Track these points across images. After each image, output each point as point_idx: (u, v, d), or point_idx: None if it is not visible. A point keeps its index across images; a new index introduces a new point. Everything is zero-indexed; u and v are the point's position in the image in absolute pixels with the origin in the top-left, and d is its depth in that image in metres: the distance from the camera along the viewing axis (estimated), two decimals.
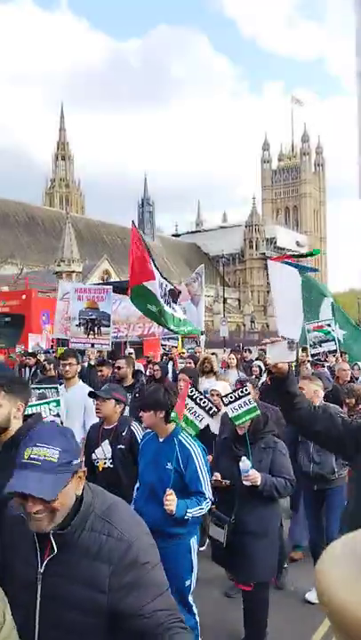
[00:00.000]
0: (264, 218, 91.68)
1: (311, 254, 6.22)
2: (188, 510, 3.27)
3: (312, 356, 10.73)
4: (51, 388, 5.29)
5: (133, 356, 11.52)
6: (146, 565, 1.53)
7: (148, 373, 9.46)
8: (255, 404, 3.63)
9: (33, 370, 10.69)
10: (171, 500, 3.20)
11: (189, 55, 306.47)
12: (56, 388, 5.23)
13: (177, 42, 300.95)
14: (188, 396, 3.43)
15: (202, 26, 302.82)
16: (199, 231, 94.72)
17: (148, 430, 3.70)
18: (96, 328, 8.81)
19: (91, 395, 4.42)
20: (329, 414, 2.55)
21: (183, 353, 10.79)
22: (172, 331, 8.00)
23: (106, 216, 77.60)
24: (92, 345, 8.66)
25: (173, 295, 7.40)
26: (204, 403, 3.45)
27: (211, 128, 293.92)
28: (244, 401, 3.62)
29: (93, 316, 8.83)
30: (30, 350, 13.30)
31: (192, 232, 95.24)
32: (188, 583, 3.49)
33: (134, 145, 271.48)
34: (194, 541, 3.57)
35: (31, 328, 17.05)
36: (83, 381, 5.89)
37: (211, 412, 3.55)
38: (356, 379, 8.52)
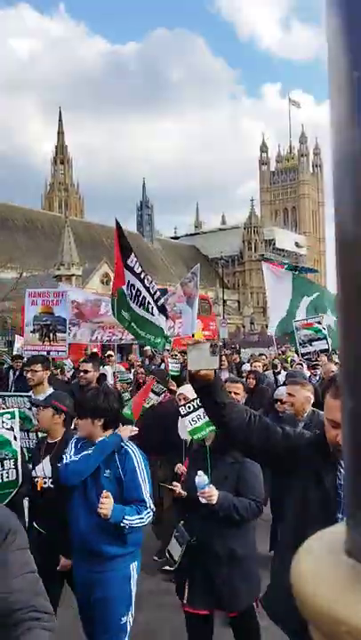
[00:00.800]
0: (263, 219, 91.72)
1: (311, 270, 6.27)
2: (127, 517, 2.92)
3: (302, 355, 10.34)
4: (23, 396, 4.95)
5: (114, 358, 11.08)
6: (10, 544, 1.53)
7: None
8: (208, 419, 3.12)
9: (17, 374, 10.45)
10: (106, 503, 2.86)
11: (187, 58, 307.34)
12: (29, 397, 4.86)
13: (175, 45, 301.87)
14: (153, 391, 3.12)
15: (200, 29, 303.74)
16: (198, 233, 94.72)
17: (81, 436, 3.28)
18: (51, 334, 8.17)
19: (32, 403, 4.06)
20: (265, 425, 2.21)
21: (176, 355, 10.57)
22: (143, 340, 7.54)
23: (105, 219, 77.81)
24: (48, 352, 7.89)
25: (152, 298, 6.91)
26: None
27: (209, 130, 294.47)
28: (199, 414, 3.24)
29: (48, 322, 8.21)
30: (15, 353, 12.97)
31: (191, 234, 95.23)
32: (124, 620, 3.04)
33: (133, 148, 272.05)
34: (134, 568, 3.14)
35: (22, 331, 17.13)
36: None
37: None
38: None
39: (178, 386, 5.28)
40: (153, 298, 6.79)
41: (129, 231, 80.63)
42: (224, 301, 55.46)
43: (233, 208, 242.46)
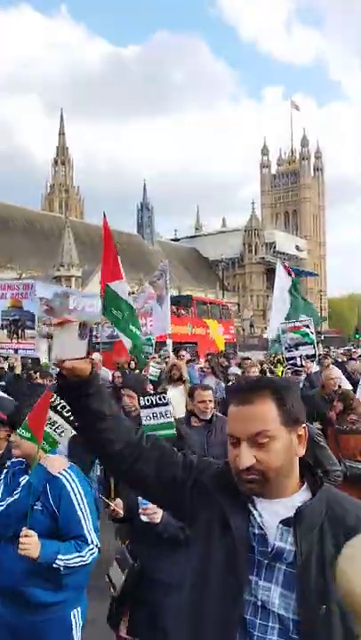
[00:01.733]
0: (264, 222, 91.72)
1: (311, 274, 6.25)
2: (61, 556, 2.41)
3: (287, 359, 9.72)
4: None
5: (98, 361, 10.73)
6: None
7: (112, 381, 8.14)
8: (172, 420, 2.90)
9: None
10: (27, 542, 2.34)
11: (189, 60, 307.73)
12: None
13: (176, 47, 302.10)
14: (51, 407, 2.49)
15: (201, 31, 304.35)
16: (198, 236, 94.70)
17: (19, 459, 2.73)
18: (20, 330, 7.65)
19: None
20: (161, 451, 1.56)
21: (156, 358, 10.42)
22: (136, 340, 7.10)
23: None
24: (16, 351, 7.45)
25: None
26: (67, 413, 2.50)
27: (210, 133, 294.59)
28: (162, 411, 2.92)
29: (17, 317, 7.66)
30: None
31: (191, 237, 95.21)
32: None
33: (133, 150, 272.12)
34: (77, 615, 2.63)
35: None
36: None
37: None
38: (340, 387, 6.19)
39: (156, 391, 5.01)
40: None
41: (129, 233, 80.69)
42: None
43: (234, 211, 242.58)
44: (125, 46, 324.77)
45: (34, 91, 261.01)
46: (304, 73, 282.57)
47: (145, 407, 2.95)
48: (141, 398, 3.01)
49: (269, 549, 1.31)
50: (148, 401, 2.94)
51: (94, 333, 9.73)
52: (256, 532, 1.34)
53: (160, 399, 2.92)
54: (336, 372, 6.58)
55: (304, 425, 1.39)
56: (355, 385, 6.87)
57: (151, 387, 6.15)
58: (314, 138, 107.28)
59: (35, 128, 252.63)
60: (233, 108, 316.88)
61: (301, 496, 1.36)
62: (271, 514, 1.33)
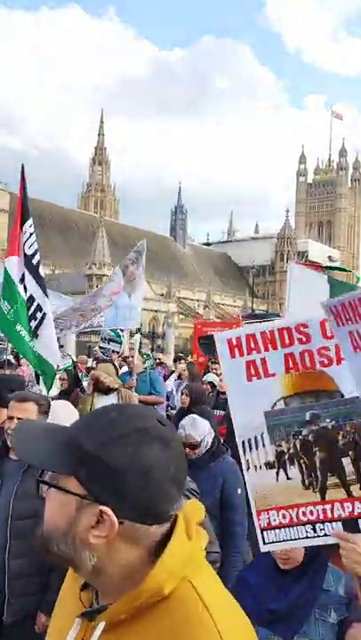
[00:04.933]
0: (296, 231, 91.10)
1: (343, 269, 5.95)
2: None
3: None
4: None
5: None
6: None
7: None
8: None
9: None
10: None
11: (233, 66, 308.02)
12: None
13: (221, 53, 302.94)
14: None
15: (247, 38, 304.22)
16: (230, 241, 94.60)
17: None
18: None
19: None
20: None
21: (128, 358, 9.20)
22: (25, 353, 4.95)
23: (139, 222, 78.14)
24: None
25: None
26: None
27: (249, 139, 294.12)
28: None
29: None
30: None
31: (223, 242, 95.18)
32: None
33: (171, 153, 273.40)
34: None
35: None
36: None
37: None
38: None
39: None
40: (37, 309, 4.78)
41: (162, 235, 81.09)
42: (253, 310, 55.18)
43: (267, 218, 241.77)
44: (171, 49, 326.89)
45: (77, 90, 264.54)
46: (348, 83, 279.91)
47: None
48: None
49: None
50: None
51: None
52: None
53: None
54: None
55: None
56: None
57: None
58: (353, 149, 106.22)
59: (76, 127, 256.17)
60: (274, 116, 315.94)
61: None
62: None
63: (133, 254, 8.08)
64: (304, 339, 1.83)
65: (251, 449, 1.90)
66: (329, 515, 1.77)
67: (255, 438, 1.88)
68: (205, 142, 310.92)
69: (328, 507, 1.78)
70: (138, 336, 9.65)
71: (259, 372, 1.88)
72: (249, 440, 1.90)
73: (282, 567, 1.94)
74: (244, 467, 1.92)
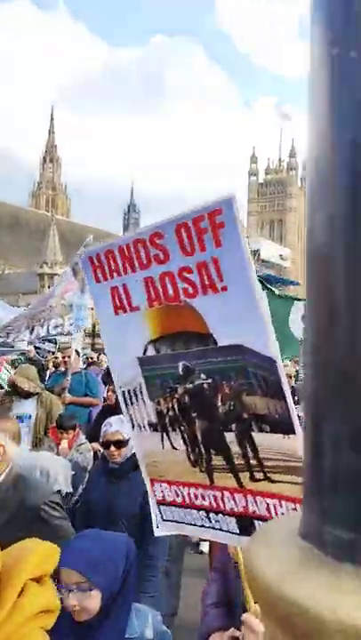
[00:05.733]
0: (249, 229, 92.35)
1: (293, 283, 5.91)
2: None
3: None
4: None
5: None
6: None
7: None
8: None
9: None
10: None
11: (185, 66, 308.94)
12: None
13: (173, 51, 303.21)
14: None
15: (199, 38, 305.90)
16: None
17: None
18: None
19: None
20: None
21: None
22: None
23: (91, 221, 77.37)
24: None
25: None
26: None
27: (200, 138, 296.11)
28: None
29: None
30: None
31: None
32: None
33: (123, 151, 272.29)
34: None
35: None
36: None
37: None
38: None
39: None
40: None
41: (115, 233, 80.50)
42: None
43: None
44: (122, 47, 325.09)
45: (25, 86, 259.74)
46: (297, 85, 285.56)
47: None
48: None
49: None
50: None
51: None
52: None
53: None
54: None
55: None
56: None
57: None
58: (303, 149, 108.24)
59: (26, 125, 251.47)
60: (225, 115, 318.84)
61: None
62: None
63: (84, 249, 7.67)
64: (161, 255, 1.48)
65: (132, 403, 1.65)
66: (221, 505, 1.53)
67: (135, 390, 1.62)
68: (158, 141, 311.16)
69: (218, 495, 1.53)
70: (79, 334, 9.44)
71: (123, 304, 1.58)
72: (129, 392, 1.64)
73: (76, 619, 1.62)
74: (128, 424, 1.71)
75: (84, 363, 9.72)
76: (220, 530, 1.55)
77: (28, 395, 4.99)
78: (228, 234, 1.37)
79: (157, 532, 1.74)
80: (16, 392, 5.03)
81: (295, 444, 1.34)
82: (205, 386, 1.46)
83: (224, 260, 1.37)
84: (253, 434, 1.41)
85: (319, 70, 0.51)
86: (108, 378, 6.22)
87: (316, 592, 0.44)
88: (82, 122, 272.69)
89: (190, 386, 1.48)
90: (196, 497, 1.57)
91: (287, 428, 1.37)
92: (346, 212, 0.48)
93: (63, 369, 7.12)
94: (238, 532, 1.51)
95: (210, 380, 1.45)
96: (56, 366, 8.69)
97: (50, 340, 9.59)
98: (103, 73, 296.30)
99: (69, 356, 6.63)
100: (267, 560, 0.49)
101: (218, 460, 1.50)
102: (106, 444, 3.08)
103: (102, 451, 3.34)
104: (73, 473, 3.32)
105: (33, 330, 7.78)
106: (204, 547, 4.79)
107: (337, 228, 0.49)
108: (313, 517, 0.50)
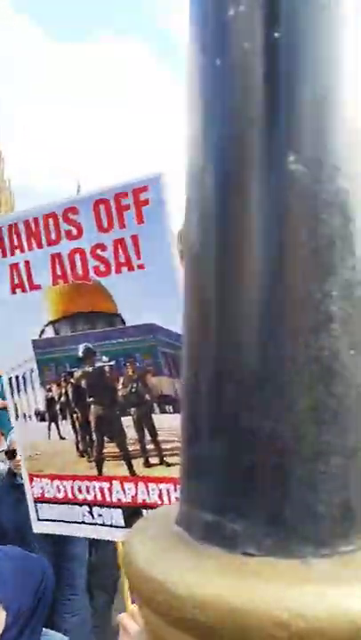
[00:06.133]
0: None
1: None
2: None
3: None
4: None
5: None
6: None
7: None
8: None
9: None
10: None
11: (130, 64, 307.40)
12: None
13: (119, 50, 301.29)
14: None
15: (145, 38, 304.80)
16: None
17: None
18: None
19: None
20: None
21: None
22: None
23: None
24: None
25: None
26: None
27: (148, 137, 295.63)
28: None
29: None
30: None
31: None
32: None
33: (70, 148, 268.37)
34: None
35: None
36: None
37: None
38: None
39: None
40: None
41: None
42: None
43: None
44: (67, 42, 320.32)
45: None
46: None
47: None
48: None
49: None
50: None
51: None
52: None
53: None
54: None
55: None
56: None
57: None
58: None
59: None
60: (173, 116, 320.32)
61: None
62: None
63: None
64: (74, 231, 1.42)
65: (19, 390, 1.59)
66: (108, 497, 1.47)
67: (24, 376, 1.55)
68: (104, 138, 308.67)
69: (106, 485, 1.48)
70: None
71: (23, 282, 1.52)
72: (17, 378, 1.57)
73: None
74: (11, 414, 1.63)
75: None
76: (103, 525, 1.52)
77: None
78: (152, 211, 1.33)
79: (35, 530, 1.71)
80: None
81: None
82: (107, 368, 1.45)
83: (145, 237, 1.35)
84: (155, 415, 1.41)
85: (193, 73, 0.53)
86: None
87: (176, 571, 0.46)
88: (25, 116, 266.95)
89: (89, 369, 1.46)
90: (80, 490, 1.53)
91: None
92: (216, 212, 0.50)
93: None
94: (124, 524, 1.50)
95: (112, 363, 1.44)
96: None
97: None
98: (45, 64, 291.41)
99: None
100: (141, 546, 0.51)
101: (110, 447, 1.49)
102: (11, 454, 2.89)
103: (8, 463, 3.08)
104: None
105: None
106: None
107: (208, 229, 0.50)
108: (185, 503, 0.53)
